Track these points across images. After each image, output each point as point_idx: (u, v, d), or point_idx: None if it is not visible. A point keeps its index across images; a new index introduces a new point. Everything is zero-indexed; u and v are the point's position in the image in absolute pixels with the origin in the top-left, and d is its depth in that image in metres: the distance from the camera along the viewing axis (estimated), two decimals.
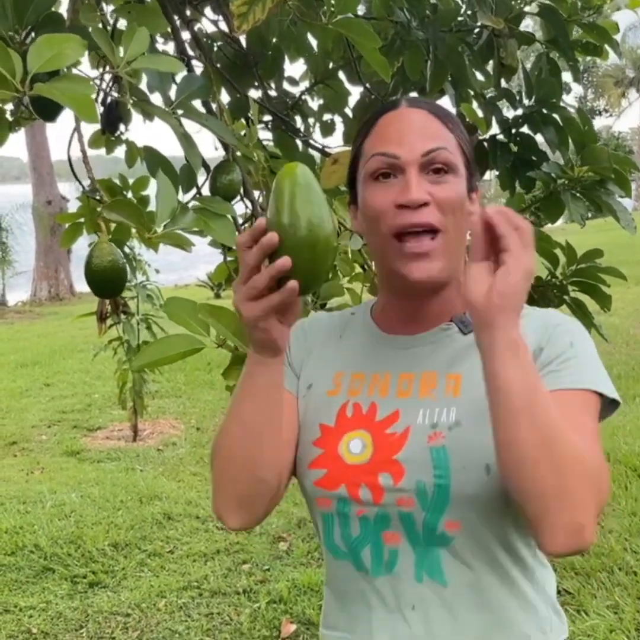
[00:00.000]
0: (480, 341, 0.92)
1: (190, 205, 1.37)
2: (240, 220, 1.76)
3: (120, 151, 2.45)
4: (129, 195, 2.36)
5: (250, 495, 1.07)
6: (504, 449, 0.92)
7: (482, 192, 1.16)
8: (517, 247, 0.89)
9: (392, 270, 1.07)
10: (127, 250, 2.74)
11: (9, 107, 1.86)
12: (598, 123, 35.04)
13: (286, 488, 1.13)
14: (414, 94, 2.50)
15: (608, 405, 1.05)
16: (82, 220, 2.30)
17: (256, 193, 1.84)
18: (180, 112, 1.40)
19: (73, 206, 2.47)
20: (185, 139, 1.40)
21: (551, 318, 1.09)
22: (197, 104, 1.69)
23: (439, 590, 1.05)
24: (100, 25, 1.38)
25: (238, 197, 1.82)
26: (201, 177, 1.66)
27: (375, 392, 1.11)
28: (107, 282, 1.38)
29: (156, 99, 1.64)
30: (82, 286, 15.69)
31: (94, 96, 1.41)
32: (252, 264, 0.90)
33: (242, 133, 1.94)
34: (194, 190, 1.62)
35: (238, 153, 1.72)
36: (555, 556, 0.97)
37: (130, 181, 2.36)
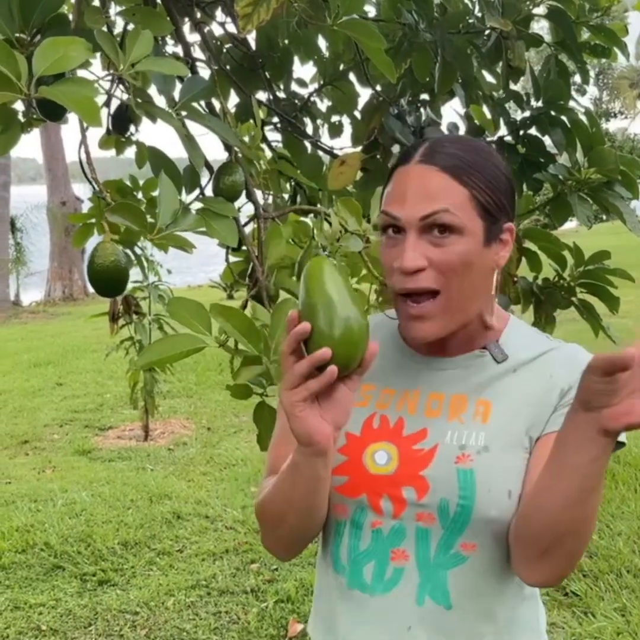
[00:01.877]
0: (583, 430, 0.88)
1: (193, 205, 1.38)
2: (243, 221, 1.77)
3: (131, 152, 2.47)
4: (140, 196, 2.38)
5: (302, 543, 1.15)
6: (545, 513, 0.94)
7: (512, 234, 1.11)
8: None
9: (400, 323, 1.11)
10: (138, 251, 2.76)
11: (21, 108, 1.88)
12: (613, 125, 34.81)
13: None
14: (424, 96, 2.50)
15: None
16: (93, 220, 2.32)
17: (259, 194, 1.84)
18: (183, 113, 1.42)
19: (87, 207, 2.50)
20: (188, 140, 1.41)
21: (579, 357, 1.10)
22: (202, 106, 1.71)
23: (441, 613, 1.06)
24: (105, 28, 1.40)
25: (244, 198, 1.84)
26: (204, 178, 1.68)
27: (403, 408, 1.12)
28: (109, 282, 1.40)
29: (162, 101, 1.66)
30: None
31: (100, 98, 1.43)
32: (288, 350, 0.91)
33: (249, 135, 1.95)
34: (197, 191, 1.63)
35: (240, 155, 1.73)
36: (528, 584, 1.08)
37: (141, 182, 2.38)
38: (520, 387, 1.09)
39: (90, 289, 16.49)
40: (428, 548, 1.06)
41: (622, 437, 1.04)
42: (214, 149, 1.92)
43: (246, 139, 1.82)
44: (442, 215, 1.03)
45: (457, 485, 1.04)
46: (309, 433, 0.94)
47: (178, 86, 1.54)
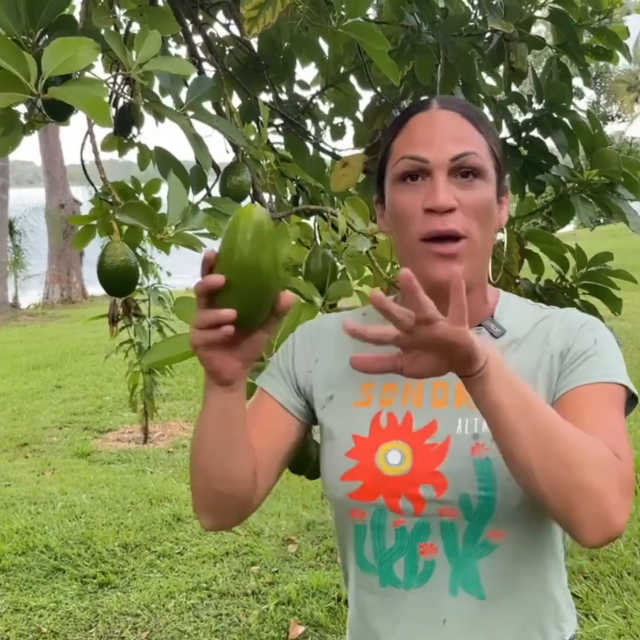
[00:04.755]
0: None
1: (200, 205, 1.38)
2: None
3: (132, 155, 2.48)
4: (141, 197, 2.38)
5: (218, 505, 1.09)
6: (510, 461, 0.92)
7: (509, 197, 1.15)
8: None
9: (418, 271, 1.03)
10: (139, 252, 2.76)
11: (23, 109, 1.88)
12: (611, 129, 34.89)
13: (265, 496, 1.13)
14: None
15: (628, 401, 1.05)
16: (94, 222, 2.32)
17: (265, 195, 1.85)
18: (190, 113, 1.42)
19: (85, 209, 2.50)
20: (196, 140, 1.41)
21: (574, 319, 1.10)
22: (209, 106, 1.71)
23: (475, 603, 1.04)
24: (112, 28, 1.40)
25: (249, 198, 1.84)
26: (211, 178, 1.68)
27: (409, 402, 1.10)
28: (120, 281, 1.40)
29: (168, 102, 1.66)
30: (94, 289, 15.77)
31: (106, 99, 1.43)
32: (198, 293, 0.90)
33: (252, 136, 1.96)
34: (204, 191, 1.63)
35: (248, 155, 1.73)
36: (592, 547, 0.98)
37: (142, 184, 2.38)
38: (522, 358, 1.07)
39: (89, 292, 16.54)
40: (455, 539, 1.04)
41: (635, 390, 1.04)
42: (217, 151, 1.92)
43: (252, 137, 1.82)
44: (471, 157, 1.03)
45: (475, 478, 1.02)
46: (214, 370, 0.94)
47: (184, 88, 1.54)
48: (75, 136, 1.77)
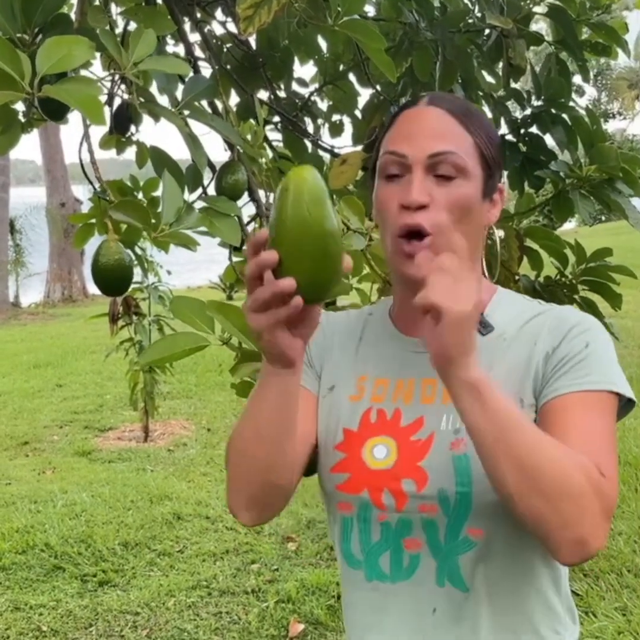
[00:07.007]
0: (444, 384, 0.94)
1: (196, 204, 1.38)
2: (246, 220, 1.77)
3: (132, 153, 2.47)
4: (140, 196, 2.38)
5: (264, 497, 1.07)
6: (490, 480, 0.94)
7: (504, 195, 1.14)
8: (443, 299, 0.87)
9: (393, 267, 1.08)
10: (138, 251, 2.76)
11: (22, 108, 1.88)
12: (612, 126, 34.79)
13: (297, 486, 1.12)
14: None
15: (624, 405, 1.04)
16: (93, 221, 2.32)
17: (261, 193, 1.84)
18: (186, 112, 1.42)
19: (86, 208, 2.49)
20: (191, 139, 1.41)
21: (568, 318, 1.08)
22: (205, 105, 1.70)
23: (460, 596, 1.04)
24: (108, 27, 1.39)
25: (246, 198, 1.84)
26: (207, 177, 1.67)
27: (399, 399, 1.11)
28: (114, 280, 1.40)
29: (165, 100, 1.66)
30: (95, 288, 15.73)
31: (102, 98, 1.42)
32: (250, 276, 0.87)
33: (251, 133, 1.95)
34: (199, 190, 1.63)
35: (244, 153, 1.73)
36: (567, 566, 1.01)
37: (141, 183, 2.38)
38: (508, 356, 1.07)
39: (90, 290, 16.55)
40: (437, 535, 1.04)
41: (630, 394, 1.02)
42: (214, 150, 1.92)
43: (249, 137, 1.81)
44: (449, 156, 1.04)
45: (453, 473, 1.02)
46: (279, 352, 0.92)
47: (180, 86, 1.54)
48: (76, 135, 1.77)
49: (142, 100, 1.38)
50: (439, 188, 1.03)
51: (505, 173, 2.42)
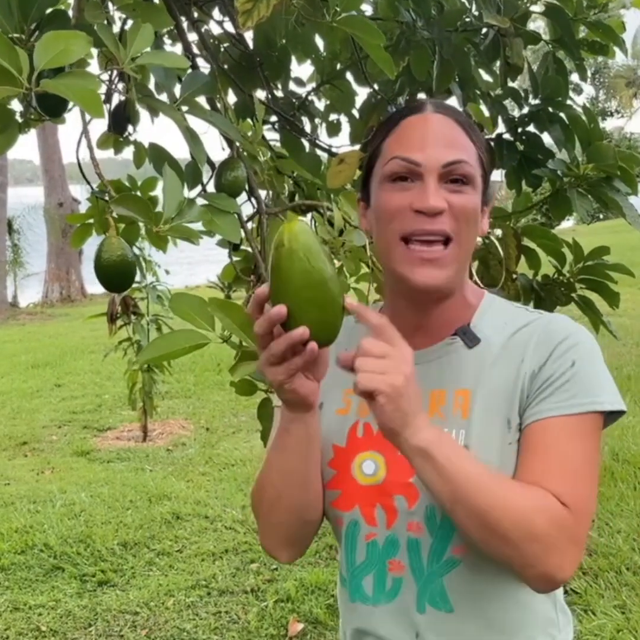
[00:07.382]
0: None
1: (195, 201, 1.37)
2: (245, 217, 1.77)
3: (130, 153, 2.46)
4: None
5: (300, 534, 1.12)
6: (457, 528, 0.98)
7: (492, 205, 1.16)
8: (371, 382, 0.91)
9: (397, 274, 1.06)
10: (137, 251, 2.76)
11: (19, 108, 1.88)
12: (610, 124, 34.80)
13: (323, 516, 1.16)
14: (421, 95, 2.51)
15: (612, 413, 1.04)
16: (91, 221, 2.32)
17: (261, 191, 1.84)
18: (185, 108, 1.41)
19: (84, 208, 2.49)
20: (190, 134, 1.41)
21: (555, 332, 1.06)
22: (203, 102, 1.70)
23: (444, 617, 1.05)
24: (105, 23, 1.39)
25: (245, 196, 1.83)
26: (206, 174, 1.67)
27: None
28: (117, 276, 1.39)
29: (163, 98, 1.65)
30: (93, 287, 15.75)
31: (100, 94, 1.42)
32: (262, 333, 0.91)
33: (249, 133, 1.95)
34: (199, 187, 1.63)
35: (243, 151, 1.73)
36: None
37: (139, 182, 2.38)
38: (494, 371, 1.06)
39: (88, 290, 16.54)
40: (420, 558, 1.05)
41: (616, 406, 1.02)
42: (212, 149, 1.92)
43: (249, 133, 1.81)
44: (463, 165, 1.04)
45: None
46: (301, 399, 0.97)
47: (178, 85, 1.53)
48: (74, 135, 1.76)
49: (140, 95, 1.38)
50: (452, 195, 1.04)
51: (502, 172, 2.43)
